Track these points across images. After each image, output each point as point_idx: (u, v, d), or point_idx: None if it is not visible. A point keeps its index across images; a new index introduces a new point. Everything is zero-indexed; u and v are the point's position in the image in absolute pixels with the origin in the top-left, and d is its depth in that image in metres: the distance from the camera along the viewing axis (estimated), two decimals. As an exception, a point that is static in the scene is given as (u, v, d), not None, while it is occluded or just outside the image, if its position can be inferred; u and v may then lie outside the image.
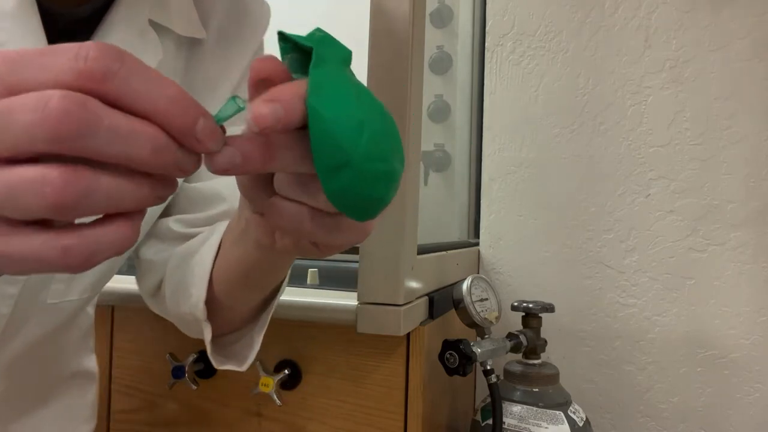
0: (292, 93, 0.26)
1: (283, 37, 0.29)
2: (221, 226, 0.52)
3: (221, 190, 0.58)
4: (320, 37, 0.29)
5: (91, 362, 0.65)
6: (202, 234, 0.55)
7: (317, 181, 0.27)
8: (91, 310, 0.64)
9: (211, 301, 0.50)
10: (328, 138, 0.26)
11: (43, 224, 0.24)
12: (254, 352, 0.52)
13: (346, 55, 0.29)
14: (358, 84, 0.29)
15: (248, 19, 0.62)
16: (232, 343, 0.54)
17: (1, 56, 0.23)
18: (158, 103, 0.24)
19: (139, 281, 0.61)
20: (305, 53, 0.29)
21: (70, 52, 0.22)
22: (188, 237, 0.57)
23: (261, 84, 0.27)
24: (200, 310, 0.50)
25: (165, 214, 0.58)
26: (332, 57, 0.29)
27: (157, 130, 0.24)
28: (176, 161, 0.25)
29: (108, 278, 0.58)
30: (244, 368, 0.52)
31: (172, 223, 0.58)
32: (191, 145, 0.25)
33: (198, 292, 0.50)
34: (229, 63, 0.59)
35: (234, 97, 0.27)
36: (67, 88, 0.22)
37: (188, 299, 0.51)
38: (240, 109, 0.27)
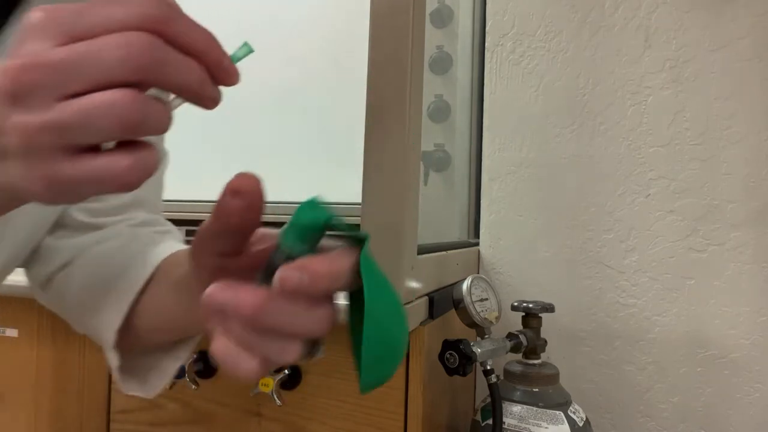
0: (322, 268, 0.31)
1: (314, 215, 0.32)
2: (153, 256, 0.49)
3: None
4: (365, 234, 0.32)
5: None
6: (121, 240, 0.53)
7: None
8: None
9: (124, 326, 0.48)
10: (383, 343, 0.32)
11: (95, 151, 0.28)
12: (165, 382, 0.50)
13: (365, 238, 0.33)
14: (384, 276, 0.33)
15: None
16: (142, 369, 0.51)
17: (67, 9, 0.27)
18: (198, 43, 0.29)
19: (31, 269, 0.56)
20: (317, 230, 0.32)
21: (132, 2, 0.27)
22: (95, 227, 0.55)
23: (236, 194, 0.33)
24: (110, 337, 0.47)
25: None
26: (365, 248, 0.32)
27: (200, 65, 0.29)
28: (211, 92, 0.30)
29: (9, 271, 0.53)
30: (151, 396, 0.50)
31: (76, 213, 0.55)
32: (221, 78, 0.30)
33: (111, 319, 0.47)
34: None
35: (246, 42, 0.32)
36: (135, 30, 0.27)
37: (98, 317, 0.48)
38: (251, 52, 0.32)
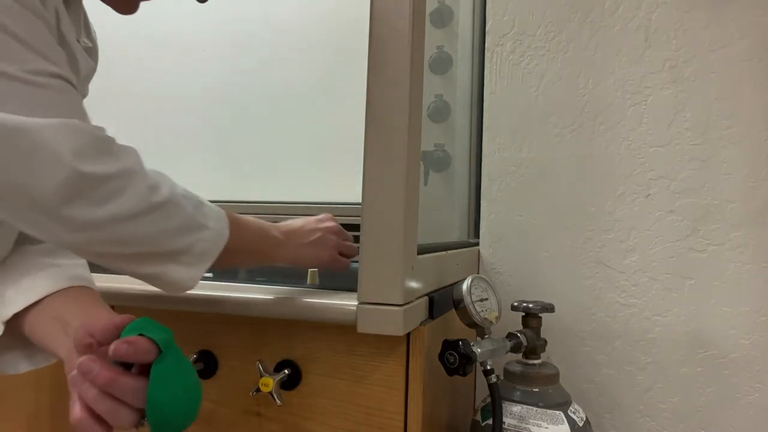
0: (144, 348, 0.47)
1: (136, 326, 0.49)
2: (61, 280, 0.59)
3: None
4: (167, 338, 0.49)
5: None
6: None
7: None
8: None
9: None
10: (163, 423, 0.46)
11: None
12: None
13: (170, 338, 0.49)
14: (184, 367, 0.49)
15: None
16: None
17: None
18: None
19: None
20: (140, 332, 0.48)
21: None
22: None
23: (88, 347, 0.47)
24: (8, 312, 0.57)
25: None
26: (170, 347, 0.48)
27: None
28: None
29: None
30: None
31: None
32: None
33: (16, 300, 0.57)
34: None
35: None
36: None
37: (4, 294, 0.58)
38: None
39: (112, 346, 0.45)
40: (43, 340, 0.55)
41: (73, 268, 0.61)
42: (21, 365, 0.61)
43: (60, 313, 0.56)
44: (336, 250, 0.76)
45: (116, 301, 0.75)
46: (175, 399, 0.47)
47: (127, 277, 0.68)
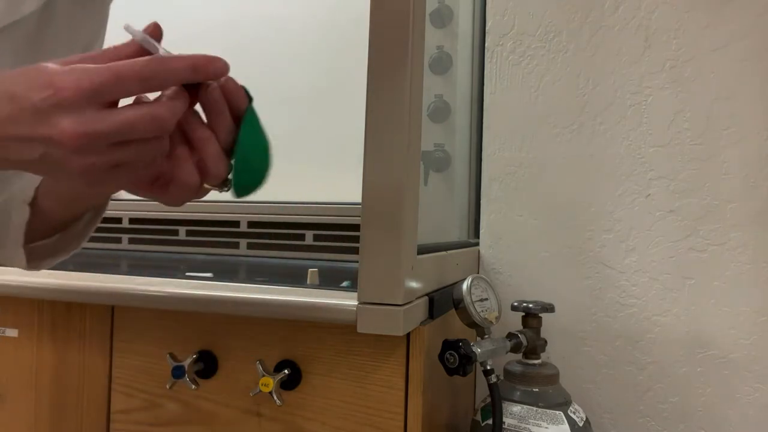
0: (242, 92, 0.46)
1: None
2: None
3: None
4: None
5: None
6: None
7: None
8: None
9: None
10: (247, 162, 0.46)
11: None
12: (68, 254, 0.58)
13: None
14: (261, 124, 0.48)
15: None
16: (48, 249, 0.57)
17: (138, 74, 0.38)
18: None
19: None
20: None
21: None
22: None
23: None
24: (29, 195, 0.53)
25: None
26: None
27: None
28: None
29: None
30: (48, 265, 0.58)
31: None
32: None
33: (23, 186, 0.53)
34: (80, 24, 0.59)
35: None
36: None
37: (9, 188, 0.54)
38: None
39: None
40: None
41: None
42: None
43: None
44: (92, 168, 0.39)
45: (116, 301, 0.75)
46: (261, 149, 0.47)
47: (126, 277, 0.68)
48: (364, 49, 0.64)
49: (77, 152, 0.37)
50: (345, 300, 0.66)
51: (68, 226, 0.57)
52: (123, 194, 0.52)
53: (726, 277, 0.94)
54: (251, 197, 0.50)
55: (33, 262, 0.56)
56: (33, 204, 0.54)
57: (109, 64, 0.38)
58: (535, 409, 0.73)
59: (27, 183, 0.54)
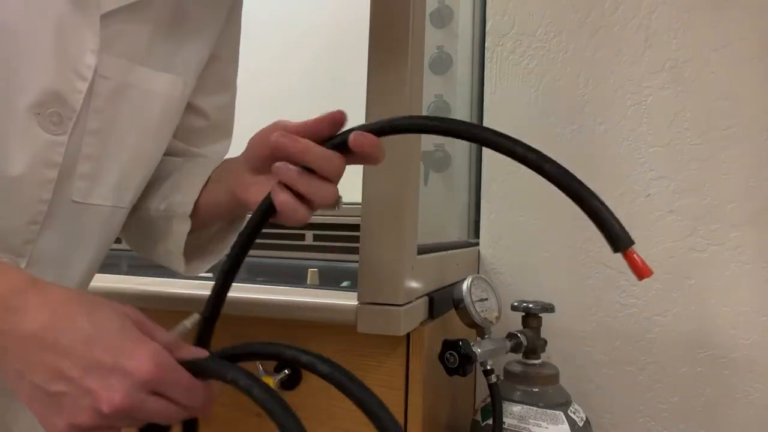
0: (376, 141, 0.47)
1: None
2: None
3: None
4: None
5: None
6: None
7: None
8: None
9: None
10: None
11: None
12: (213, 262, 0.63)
13: None
14: None
15: None
16: (200, 251, 0.62)
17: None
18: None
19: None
20: None
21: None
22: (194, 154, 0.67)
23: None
24: (188, 209, 0.57)
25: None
26: None
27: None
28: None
29: (131, 184, 0.58)
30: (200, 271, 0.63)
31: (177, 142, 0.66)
32: None
33: (187, 194, 0.58)
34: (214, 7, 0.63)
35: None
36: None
37: (174, 195, 0.59)
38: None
39: (351, 136, 0.44)
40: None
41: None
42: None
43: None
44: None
45: (116, 301, 0.75)
46: None
47: (126, 277, 0.69)
48: (364, 49, 0.64)
49: (101, 416, 0.38)
50: (345, 300, 0.66)
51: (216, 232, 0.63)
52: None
53: (726, 277, 0.94)
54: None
55: (190, 265, 0.61)
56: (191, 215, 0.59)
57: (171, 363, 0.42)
58: (535, 409, 0.73)
59: (185, 197, 0.58)
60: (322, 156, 0.45)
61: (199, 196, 0.58)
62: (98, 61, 0.49)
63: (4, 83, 0.46)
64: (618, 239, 0.43)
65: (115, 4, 0.50)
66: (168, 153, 0.63)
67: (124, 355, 0.39)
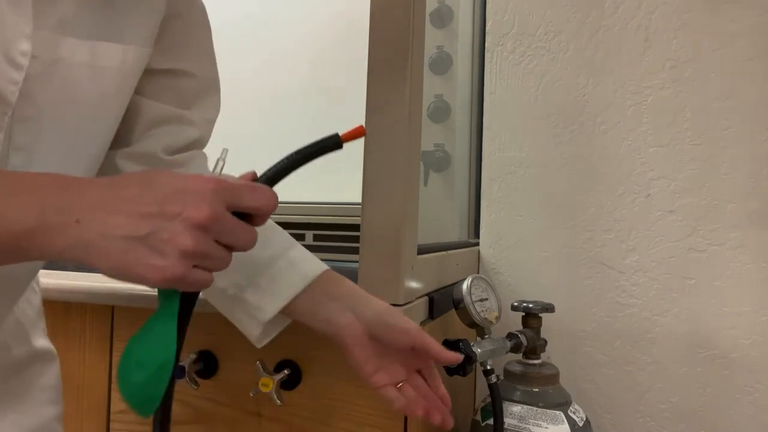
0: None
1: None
2: (306, 268, 0.59)
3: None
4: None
5: (48, 344, 0.65)
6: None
7: None
8: (37, 287, 0.64)
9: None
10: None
11: None
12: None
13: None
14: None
15: None
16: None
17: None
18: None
19: None
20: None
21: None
22: (172, 164, 0.63)
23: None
24: (267, 317, 0.58)
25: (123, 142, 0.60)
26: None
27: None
28: None
29: (72, 171, 0.54)
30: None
31: (158, 151, 0.61)
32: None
33: (270, 305, 0.57)
34: None
35: None
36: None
37: (256, 295, 0.58)
38: None
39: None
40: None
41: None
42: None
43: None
44: (185, 261, 0.40)
45: (116, 301, 0.75)
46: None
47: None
48: (364, 49, 0.64)
49: (196, 231, 0.39)
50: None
51: None
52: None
53: (726, 277, 0.94)
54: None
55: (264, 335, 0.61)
56: None
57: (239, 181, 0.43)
58: (535, 409, 0.73)
59: (269, 304, 0.58)
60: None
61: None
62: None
63: None
64: (329, 140, 0.48)
65: None
66: (161, 122, 0.61)
67: (189, 180, 0.40)
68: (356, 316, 0.55)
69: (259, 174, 0.47)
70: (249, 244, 0.44)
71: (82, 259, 0.39)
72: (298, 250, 0.60)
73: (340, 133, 0.47)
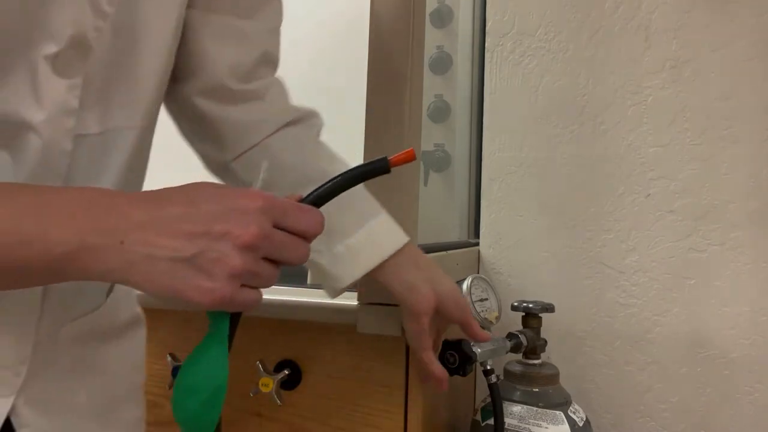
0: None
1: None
2: (392, 238, 0.60)
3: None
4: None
5: (139, 309, 0.64)
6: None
7: None
8: None
9: None
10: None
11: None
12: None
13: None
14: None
15: None
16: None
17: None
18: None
19: (207, 151, 0.65)
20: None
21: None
22: (245, 93, 0.61)
23: None
24: (344, 285, 0.59)
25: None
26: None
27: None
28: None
29: (142, 103, 0.53)
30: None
31: (226, 79, 0.60)
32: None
33: (349, 273, 0.58)
34: None
35: None
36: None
37: (334, 263, 0.59)
38: None
39: None
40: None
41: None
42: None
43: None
44: (233, 282, 0.39)
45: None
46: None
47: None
48: (363, 49, 0.64)
49: (244, 250, 0.38)
50: (345, 300, 0.66)
51: None
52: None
53: (726, 277, 0.94)
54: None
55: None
56: None
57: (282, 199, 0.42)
58: (535, 409, 0.73)
59: (346, 274, 0.59)
60: None
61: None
62: None
63: (23, 26, 0.42)
64: (377, 164, 0.46)
65: None
66: (220, 36, 0.59)
67: (235, 198, 0.39)
68: (432, 287, 0.58)
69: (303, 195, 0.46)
70: (301, 259, 0.43)
71: (126, 280, 0.38)
72: (381, 220, 0.60)
73: (389, 157, 0.45)
